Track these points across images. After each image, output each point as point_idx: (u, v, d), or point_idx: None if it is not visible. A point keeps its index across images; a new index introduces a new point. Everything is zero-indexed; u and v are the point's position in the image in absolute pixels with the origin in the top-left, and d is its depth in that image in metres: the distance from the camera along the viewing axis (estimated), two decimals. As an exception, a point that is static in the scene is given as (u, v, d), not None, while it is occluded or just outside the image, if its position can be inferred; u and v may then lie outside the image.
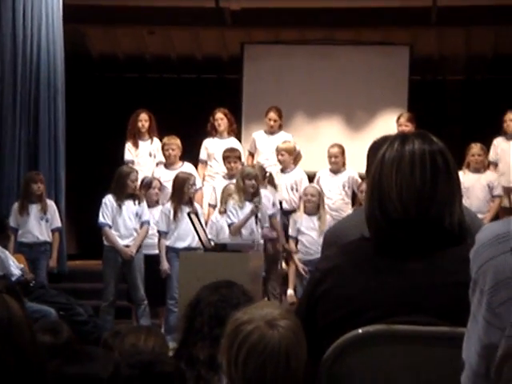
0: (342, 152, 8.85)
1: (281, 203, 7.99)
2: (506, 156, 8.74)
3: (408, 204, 2.02)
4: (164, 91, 11.53)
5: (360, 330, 1.94)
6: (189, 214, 7.18)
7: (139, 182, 8.16)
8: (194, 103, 11.00)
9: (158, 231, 7.84)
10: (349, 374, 1.95)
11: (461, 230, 2.04)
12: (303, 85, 10.66)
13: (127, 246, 7.71)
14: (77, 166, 10.19)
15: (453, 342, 1.80)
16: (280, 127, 9.30)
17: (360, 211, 2.45)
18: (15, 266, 6.88)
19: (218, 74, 11.84)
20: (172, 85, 11.76)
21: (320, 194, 8.14)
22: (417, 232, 2.02)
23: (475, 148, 8.67)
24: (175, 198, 7.77)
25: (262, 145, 9.18)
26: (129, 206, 7.78)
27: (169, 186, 8.41)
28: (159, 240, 7.83)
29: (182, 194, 7.72)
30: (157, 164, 9.03)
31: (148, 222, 7.88)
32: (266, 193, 7.98)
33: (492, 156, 8.84)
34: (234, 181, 8.27)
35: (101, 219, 7.75)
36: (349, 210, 8.56)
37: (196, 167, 8.95)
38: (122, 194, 7.74)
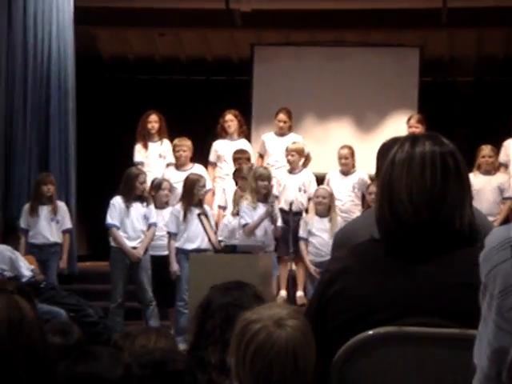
0: (352, 153, 8.84)
1: (291, 204, 7.98)
2: (516, 157, 8.73)
3: (418, 206, 2.02)
4: (174, 93, 11.55)
5: (370, 332, 1.94)
6: (199, 216, 7.19)
7: (149, 184, 8.17)
8: (203, 105, 11.01)
9: (168, 232, 7.84)
10: (359, 375, 1.95)
11: (471, 231, 2.04)
12: (313, 86, 10.65)
13: (134, 248, 7.72)
14: (87, 168, 10.21)
15: (463, 343, 1.79)
16: (290, 129, 9.29)
17: (370, 213, 2.45)
18: (26, 267, 6.90)
19: (227, 76, 11.85)
20: (182, 86, 11.78)
21: (331, 196, 8.13)
22: (427, 234, 2.01)
23: (486, 149, 8.64)
24: (185, 200, 7.77)
25: (272, 146, 9.17)
26: (137, 207, 7.79)
27: (179, 187, 8.42)
28: (169, 241, 7.84)
29: (192, 195, 7.73)
30: (167, 165, 9.04)
31: (155, 224, 7.88)
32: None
33: (502, 157, 8.81)
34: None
35: (108, 220, 7.76)
36: (358, 211, 8.55)
37: (206, 169, 8.96)
38: (130, 196, 7.74)
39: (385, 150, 2.35)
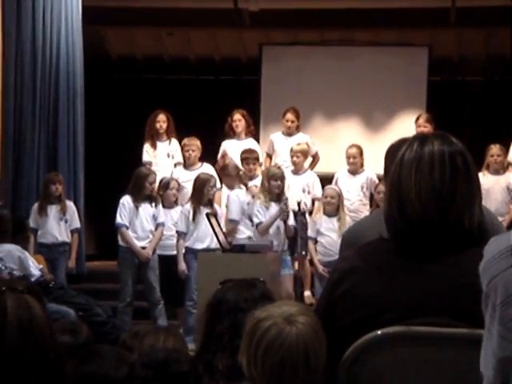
0: (361, 153, 8.84)
1: (299, 204, 7.98)
2: (525, 157, 8.71)
3: (427, 205, 2.01)
4: (182, 92, 11.56)
5: (379, 332, 1.93)
6: (207, 215, 7.19)
7: (157, 183, 8.18)
8: (212, 104, 11.02)
9: (177, 232, 7.85)
10: (368, 375, 1.95)
11: (480, 231, 2.03)
12: (321, 86, 10.65)
13: (143, 248, 7.74)
14: (96, 168, 10.23)
15: (471, 343, 1.79)
16: (298, 128, 9.29)
17: (378, 212, 2.45)
18: (35, 267, 6.91)
19: (236, 76, 11.85)
20: (190, 86, 11.79)
21: (340, 196, 8.13)
22: (436, 233, 2.01)
23: (494, 149, 8.63)
24: (195, 199, 7.77)
25: (280, 146, 9.17)
26: (146, 207, 7.80)
27: (188, 186, 8.44)
28: (178, 240, 7.84)
29: (202, 195, 7.73)
30: (175, 165, 9.05)
31: (163, 224, 7.89)
32: (237, 192, 8.01)
33: (511, 157, 8.80)
34: (256, 182, 8.31)
35: (118, 220, 7.76)
36: (367, 211, 8.55)
37: (214, 168, 8.96)
38: (140, 196, 7.75)
39: (393, 151, 2.35)
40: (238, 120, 9.16)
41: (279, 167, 8.22)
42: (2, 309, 1.58)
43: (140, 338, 3.07)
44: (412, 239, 2.03)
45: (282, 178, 7.75)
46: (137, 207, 7.75)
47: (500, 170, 8.64)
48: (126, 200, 7.78)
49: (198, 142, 8.80)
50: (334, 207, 8.05)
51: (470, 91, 11.55)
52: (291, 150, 8.74)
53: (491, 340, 1.44)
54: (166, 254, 7.96)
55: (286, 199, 7.65)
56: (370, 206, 8.75)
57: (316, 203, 8.63)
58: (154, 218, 7.82)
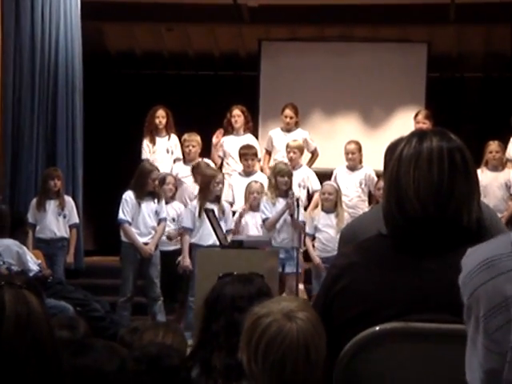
0: (359, 148, 8.84)
1: (298, 200, 7.98)
2: (523, 154, 8.71)
3: (425, 201, 2.01)
4: (181, 88, 11.55)
5: (377, 328, 1.94)
6: (206, 211, 7.19)
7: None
8: (211, 100, 11.01)
9: (183, 227, 7.84)
10: (366, 371, 1.95)
11: (479, 227, 2.03)
12: (320, 82, 10.64)
13: (146, 244, 7.73)
14: (94, 163, 10.22)
15: (470, 339, 1.79)
16: (296, 124, 9.29)
17: (377, 208, 2.45)
18: (33, 262, 6.92)
19: (235, 71, 11.85)
20: (189, 82, 11.78)
21: (337, 192, 8.15)
22: (434, 229, 2.01)
23: (493, 145, 8.64)
24: (201, 196, 7.78)
25: (279, 142, 9.17)
26: (148, 203, 7.80)
27: (187, 181, 8.46)
28: (182, 236, 7.84)
29: (208, 191, 7.74)
30: (174, 160, 9.04)
31: (165, 220, 7.89)
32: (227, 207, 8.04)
33: (510, 154, 8.80)
34: (255, 178, 8.31)
35: (121, 215, 7.76)
36: (365, 207, 8.55)
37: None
38: (142, 192, 7.75)
39: (393, 149, 2.35)
40: (237, 116, 9.16)
41: (286, 163, 8.27)
42: (0, 304, 1.58)
43: (139, 334, 3.07)
44: (410, 235, 2.03)
45: (288, 174, 7.89)
46: (139, 203, 7.75)
47: (499, 166, 8.65)
48: (129, 196, 7.77)
49: (198, 138, 8.80)
50: (332, 203, 8.06)
51: (469, 88, 11.54)
52: (287, 146, 8.75)
53: (476, 352, 1.44)
54: (164, 249, 7.97)
55: (293, 194, 7.69)
56: (369, 202, 8.76)
57: (315, 196, 8.65)
58: (157, 213, 7.82)
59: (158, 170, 8.01)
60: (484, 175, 8.31)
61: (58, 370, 1.63)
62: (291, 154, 8.69)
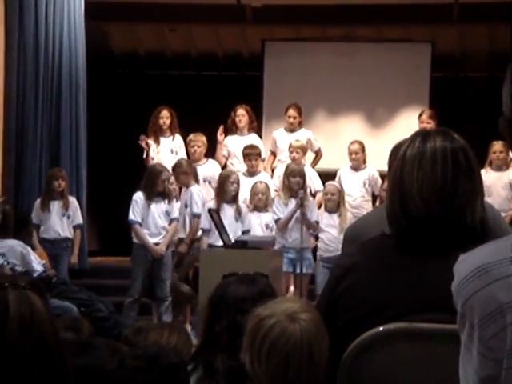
0: (363, 148, 8.84)
1: (301, 199, 7.98)
2: (528, 154, 8.70)
3: (429, 201, 2.01)
4: (185, 88, 11.55)
5: (381, 328, 1.93)
6: (209, 211, 7.19)
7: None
8: (214, 100, 11.01)
9: (201, 228, 7.84)
10: (369, 371, 1.95)
11: (482, 227, 2.03)
12: (324, 82, 10.64)
13: (157, 244, 7.73)
14: (98, 163, 10.23)
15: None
16: (300, 124, 9.29)
17: (381, 208, 2.45)
18: (37, 262, 6.92)
19: (238, 72, 11.85)
20: (193, 82, 11.79)
21: (340, 192, 8.15)
22: (438, 229, 2.01)
23: (497, 145, 8.63)
24: (218, 196, 7.81)
25: (283, 142, 9.16)
26: (158, 204, 7.79)
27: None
28: (201, 237, 7.83)
29: (223, 192, 7.76)
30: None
31: (177, 220, 7.89)
32: (196, 189, 8.02)
33: (515, 153, 8.80)
34: (258, 178, 8.31)
35: (131, 216, 7.76)
36: (369, 207, 8.55)
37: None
38: (152, 193, 7.74)
39: (397, 150, 2.35)
40: (242, 115, 9.15)
41: (299, 164, 8.27)
42: (4, 305, 1.57)
43: (144, 334, 3.07)
44: (414, 236, 2.02)
45: (300, 174, 7.92)
46: (149, 204, 7.75)
47: (503, 166, 8.65)
48: (139, 197, 7.77)
49: (203, 138, 8.79)
50: (335, 203, 8.07)
51: (473, 87, 11.53)
52: (290, 146, 8.76)
53: (471, 359, 1.44)
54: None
55: (302, 193, 7.68)
56: (373, 203, 8.76)
57: (317, 196, 8.66)
58: (167, 214, 7.82)
59: (168, 171, 7.98)
60: (488, 175, 8.30)
61: (62, 371, 1.63)
62: (294, 154, 8.69)
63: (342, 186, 8.38)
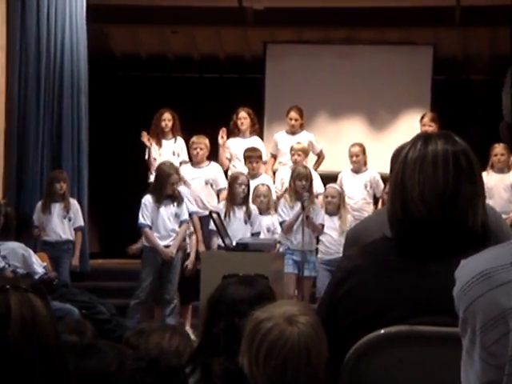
0: (363, 151, 8.84)
1: (303, 202, 7.97)
2: (529, 156, 8.70)
3: (430, 204, 2.01)
4: (187, 91, 11.56)
5: (382, 331, 1.93)
6: (210, 213, 7.19)
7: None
8: (216, 103, 11.02)
9: (210, 230, 7.82)
10: (371, 374, 1.95)
11: (484, 230, 2.03)
12: (326, 84, 10.64)
13: (167, 247, 7.74)
14: (99, 165, 10.23)
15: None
16: (301, 127, 9.28)
17: (382, 211, 2.45)
18: (38, 265, 6.93)
19: (240, 74, 11.85)
20: (194, 84, 11.79)
21: (340, 195, 8.15)
22: (439, 233, 2.01)
23: (498, 148, 8.64)
24: (228, 198, 7.81)
25: (284, 145, 9.16)
26: (168, 207, 7.79)
27: (194, 183, 8.46)
28: (211, 237, 7.85)
29: (233, 194, 7.77)
30: (180, 163, 9.03)
31: (187, 221, 7.89)
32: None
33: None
34: (260, 181, 8.31)
35: (141, 220, 7.75)
36: (370, 209, 8.55)
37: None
38: (161, 196, 7.73)
39: (399, 153, 2.35)
40: (244, 118, 9.15)
41: (305, 167, 8.26)
42: (6, 307, 1.58)
43: (145, 336, 3.06)
44: (415, 239, 2.02)
45: (306, 177, 7.88)
46: (158, 207, 7.74)
47: (504, 168, 8.65)
48: (148, 200, 7.76)
49: (206, 141, 8.77)
50: (335, 206, 8.07)
51: (475, 90, 11.53)
52: (291, 149, 8.75)
53: (473, 364, 1.44)
54: None
55: (306, 196, 7.67)
56: (374, 205, 8.76)
57: (318, 198, 8.65)
58: (177, 216, 7.81)
59: (177, 173, 7.96)
60: (489, 177, 8.31)
61: (63, 374, 1.63)
62: (295, 157, 8.69)
63: (343, 189, 8.38)
